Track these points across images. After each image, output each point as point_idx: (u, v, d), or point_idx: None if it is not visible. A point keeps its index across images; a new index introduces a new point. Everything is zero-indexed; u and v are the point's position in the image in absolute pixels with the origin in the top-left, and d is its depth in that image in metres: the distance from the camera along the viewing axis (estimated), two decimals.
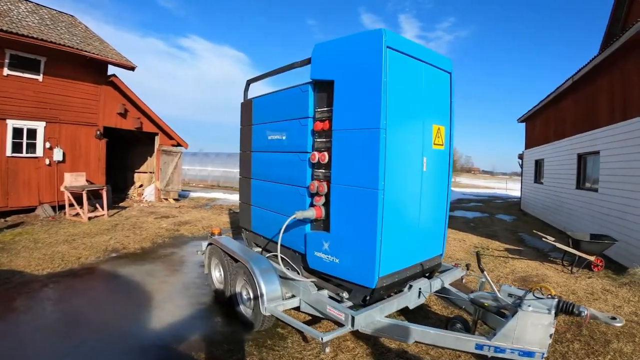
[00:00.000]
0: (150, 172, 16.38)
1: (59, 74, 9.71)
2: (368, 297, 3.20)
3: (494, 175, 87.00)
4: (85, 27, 11.13)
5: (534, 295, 2.85)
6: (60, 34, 9.66)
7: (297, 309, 3.65)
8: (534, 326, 2.71)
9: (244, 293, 3.91)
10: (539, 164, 13.88)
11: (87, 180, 10.16)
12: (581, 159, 9.10)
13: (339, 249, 3.29)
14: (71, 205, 9.44)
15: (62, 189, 9.53)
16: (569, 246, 6.33)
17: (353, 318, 2.90)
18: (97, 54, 9.78)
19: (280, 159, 4.11)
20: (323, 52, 3.43)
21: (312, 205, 3.54)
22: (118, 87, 11.12)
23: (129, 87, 11.44)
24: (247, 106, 4.89)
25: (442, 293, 3.95)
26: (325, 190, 3.40)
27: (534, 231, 7.26)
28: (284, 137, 4.04)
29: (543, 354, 2.72)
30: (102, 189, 9.91)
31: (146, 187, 15.58)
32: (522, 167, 17.46)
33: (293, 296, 3.64)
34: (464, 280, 4.51)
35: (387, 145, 2.97)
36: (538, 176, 13.89)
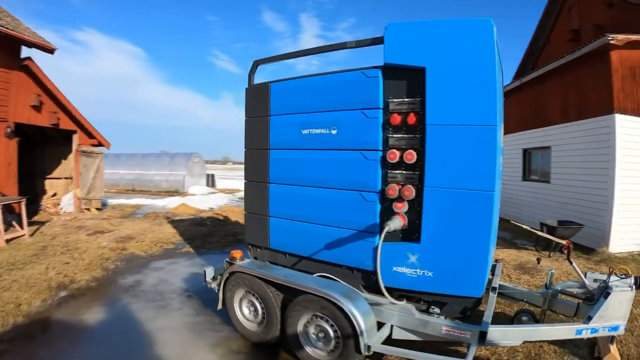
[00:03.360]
0: (66, 178, 13.68)
1: None
2: (470, 309, 2.93)
3: None
4: None
5: (616, 276, 3.10)
6: None
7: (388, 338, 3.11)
8: (620, 303, 2.98)
9: (312, 331, 3.24)
10: None
11: None
12: (526, 153, 10.20)
13: (434, 260, 2.93)
14: None
15: None
16: (543, 233, 6.99)
17: (484, 334, 2.59)
18: (11, 30, 7.58)
19: (328, 158, 3.51)
20: (405, 34, 2.99)
21: (393, 213, 3.11)
22: (34, 74, 8.86)
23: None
24: (259, 92, 4.01)
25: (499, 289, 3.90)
26: (413, 194, 3.01)
27: (512, 221, 7.86)
28: (334, 132, 3.45)
29: (625, 324, 3.03)
30: (20, 202, 7.82)
31: (63, 196, 12.95)
32: None
33: (381, 323, 3.12)
34: None
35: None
36: None
